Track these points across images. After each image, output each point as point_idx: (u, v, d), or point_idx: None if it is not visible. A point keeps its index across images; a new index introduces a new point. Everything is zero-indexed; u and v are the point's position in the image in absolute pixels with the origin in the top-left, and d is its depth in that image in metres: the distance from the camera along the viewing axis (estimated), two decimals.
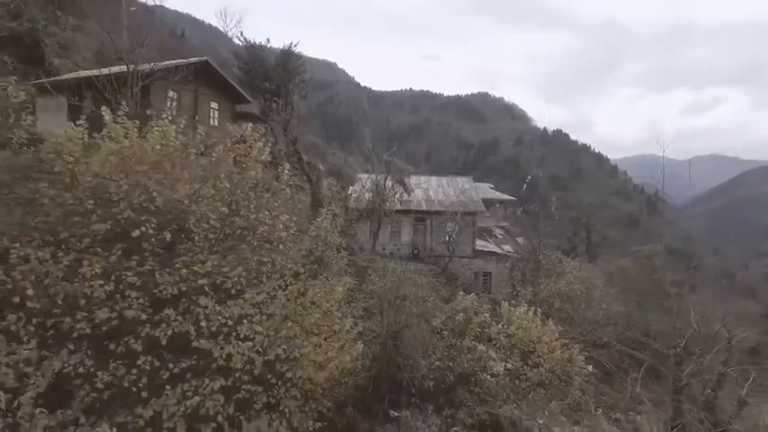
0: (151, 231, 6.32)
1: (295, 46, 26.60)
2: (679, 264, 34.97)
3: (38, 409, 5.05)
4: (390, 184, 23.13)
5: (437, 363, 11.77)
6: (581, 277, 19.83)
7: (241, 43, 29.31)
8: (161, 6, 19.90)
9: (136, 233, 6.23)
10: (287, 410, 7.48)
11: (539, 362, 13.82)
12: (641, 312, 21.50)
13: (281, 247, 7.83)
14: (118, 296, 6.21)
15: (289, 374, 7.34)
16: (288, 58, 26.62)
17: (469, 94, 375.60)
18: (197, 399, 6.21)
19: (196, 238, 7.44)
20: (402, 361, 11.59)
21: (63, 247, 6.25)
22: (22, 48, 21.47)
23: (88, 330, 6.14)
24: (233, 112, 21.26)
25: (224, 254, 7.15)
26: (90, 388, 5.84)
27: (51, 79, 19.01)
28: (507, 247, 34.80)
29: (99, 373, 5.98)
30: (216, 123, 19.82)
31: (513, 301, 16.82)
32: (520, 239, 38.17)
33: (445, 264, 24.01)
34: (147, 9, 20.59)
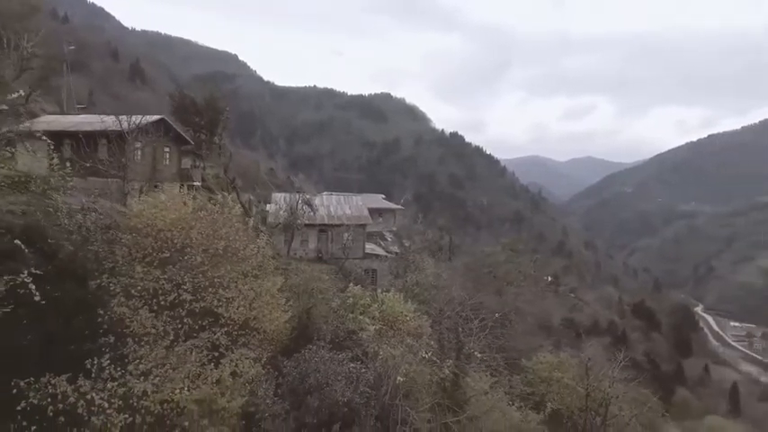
0: (195, 256, 12.98)
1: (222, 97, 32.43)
2: (522, 258, 46.00)
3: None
4: (301, 206, 30.30)
5: (333, 327, 19.16)
6: (435, 272, 28.37)
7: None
8: None
9: (186, 257, 12.88)
10: (253, 346, 14.41)
11: (400, 327, 21.81)
12: (477, 295, 30.65)
13: (250, 261, 14.75)
14: (176, 288, 12.77)
15: (256, 326, 14.31)
16: (215, 99, 32.41)
17: (372, 93, 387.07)
18: (215, 336, 12.95)
19: (199, 258, 14.07)
20: (312, 327, 18.82)
21: (147, 265, 12.71)
22: None
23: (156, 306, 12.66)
24: (179, 152, 26.98)
25: (222, 265, 13.92)
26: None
27: (20, 127, 23.31)
28: (395, 248, 43.30)
29: (169, 328, 12.51)
30: (168, 162, 25.54)
31: (386, 289, 24.77)
32: (406, 242, 47.00)
33: (342, 264, 31.56)
34: None
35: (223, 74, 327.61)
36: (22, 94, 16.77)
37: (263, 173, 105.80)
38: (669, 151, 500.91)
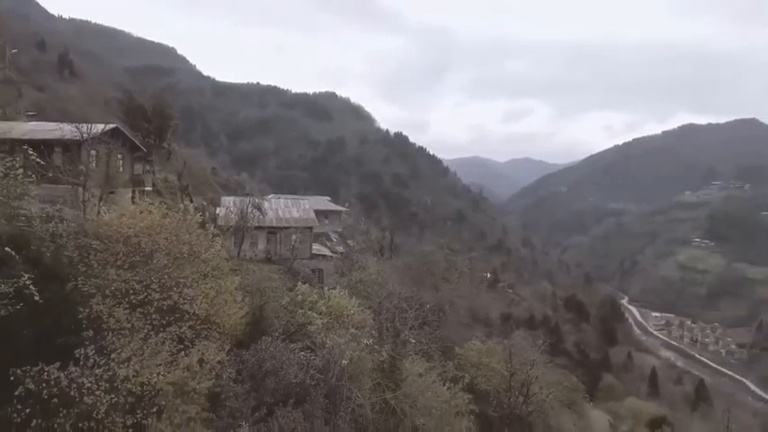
0: (164, 259, 14.62)
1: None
2: (458, 256, 49.49)
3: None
4: (251, 209, 31.84)
5: (284, 322, 21.13)
6: (378, 270, 30.80)
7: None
8: None
9: (155, 260, 14.50)
10: (213, 339, 16.17)
11: (344, 320, 24.05)
12: (414, 290, 33.41)
13: (210, 263, 16.51)
14: (145, 288, 14.35)
15: (216, 321, 16.09)
16: (163, 106, 33.21)
17: (317, 92, 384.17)
18: (181, 330, 14.64)
19: (164, 261, 15.70)
20: (265, 322, 20.70)
21: (118, 268, 14.23)
22: None
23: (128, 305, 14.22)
24: (132, 158, 27.80)
25: (186, 267, 15.62)
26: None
27: None
28: (340, 249, 45.47)
29: (140, 324, 14.09)
30: (121, 169, 26.37)
31: (332, 287, 26.91)
32: (350, 242, 49.36)
33: (290, 264, 33.39)
34: None
35: (160, 67, 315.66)
36: None
37: (208, 173, 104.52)
38: (599, 153, 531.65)
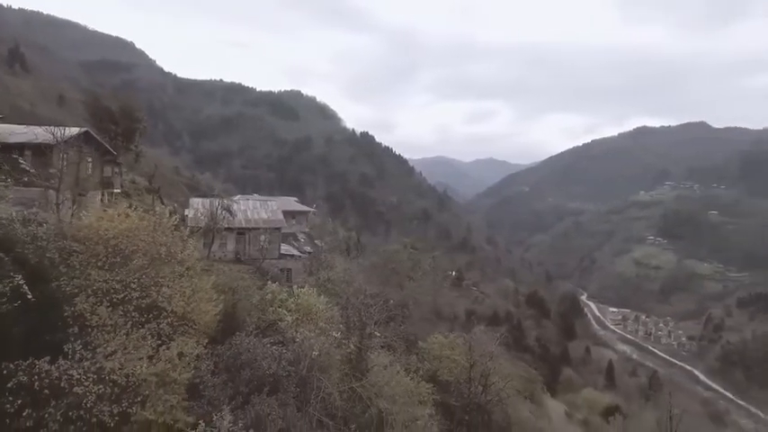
0: (142, 260, 15.48)
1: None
2: (421, 255, 51.26)
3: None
4: (220, 211, 32.54)
5: (255, 319, 22.14)
6: (346, 268, 32.09)
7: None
8: None
9: (134, 261, 15.36)
10: (190, 335, 17.10)
11: (314, 317, 25.22)
12: (379, 287, 34.87)
13: (185, 263, 17.44)
14: (125, 287, 15.19)
15: (193, 318, 17.02)
16: (131, 108, 33.44)
17: (283, 90, 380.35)
18: (160, 326, 15.53)
19: (142, 261, 16.54)
20: (237, 320, 21.66)
21: (99, 269, 15.02)
22: None
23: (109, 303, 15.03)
24: (101, 161, 28.05)
25: (163, 267, 16.52)
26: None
27: None
28: (308, 248, 46.45)
29: (121, 321, 14.92)
30: (90, 172, 26.64)
31: (301, 286, 28.01)
32: (318, 241, 50.39)
33: (260, 264, 34.22)
34: None
35: (117, 62, 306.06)
36: None
37: (174, 174, 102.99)
38: (559, 154, 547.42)
